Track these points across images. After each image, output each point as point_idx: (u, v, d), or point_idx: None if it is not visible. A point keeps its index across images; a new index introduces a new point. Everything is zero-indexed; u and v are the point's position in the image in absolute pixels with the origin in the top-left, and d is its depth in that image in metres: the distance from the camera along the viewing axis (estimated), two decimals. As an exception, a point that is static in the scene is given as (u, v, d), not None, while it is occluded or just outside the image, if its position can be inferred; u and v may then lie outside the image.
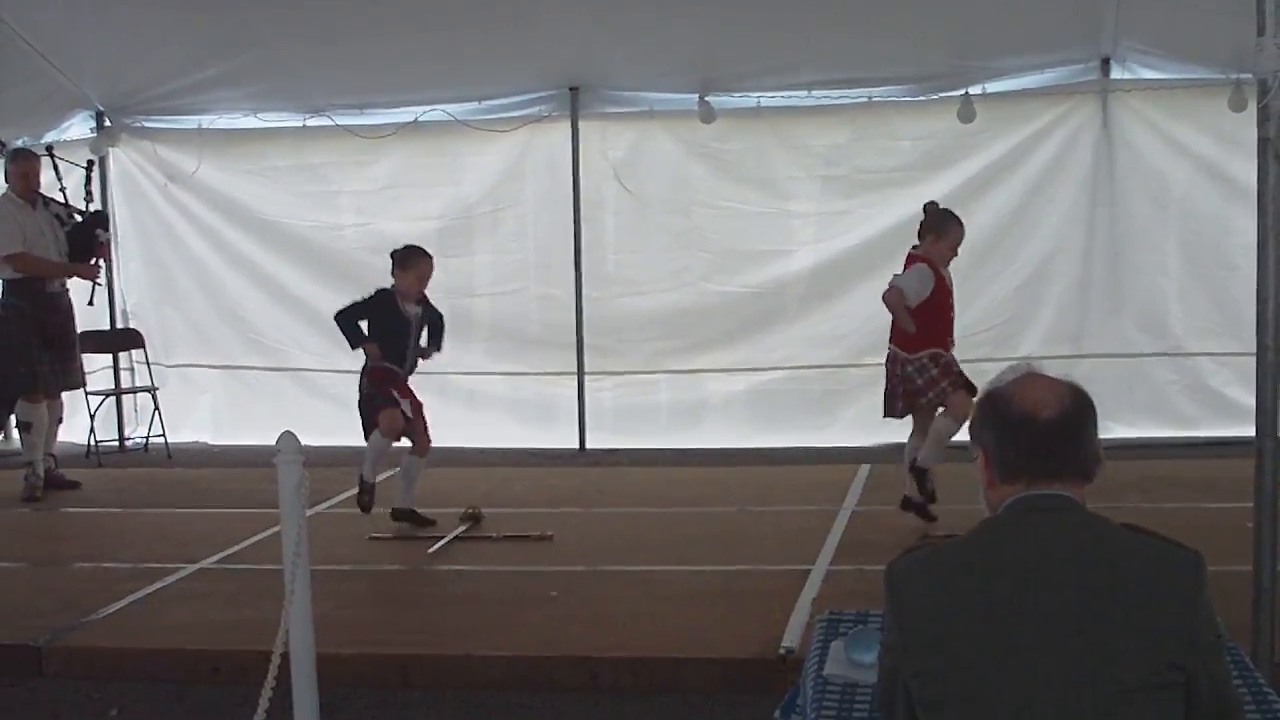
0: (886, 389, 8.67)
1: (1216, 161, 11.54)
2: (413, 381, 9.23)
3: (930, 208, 8.67)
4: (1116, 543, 2.98)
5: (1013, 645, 2.87)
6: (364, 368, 9.07)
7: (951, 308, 8.60)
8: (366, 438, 9.11)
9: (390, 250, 9.20)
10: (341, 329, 9.03)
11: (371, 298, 9.05)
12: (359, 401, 9.12)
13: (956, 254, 8.61)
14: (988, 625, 2.90)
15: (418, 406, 9.19)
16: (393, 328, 9.04)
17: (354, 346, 9.00)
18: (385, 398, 8.95)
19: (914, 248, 8.59)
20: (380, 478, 9.30)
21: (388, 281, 9.11)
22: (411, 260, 9.07)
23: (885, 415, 8.82)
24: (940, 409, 8.42)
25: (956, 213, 8.71)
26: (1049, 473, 3.02)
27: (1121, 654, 2.83)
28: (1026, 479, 3.03)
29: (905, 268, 8.50)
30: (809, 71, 11.69)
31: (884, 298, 8.40)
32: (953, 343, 8.58)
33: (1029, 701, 2.84)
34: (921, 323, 8.34)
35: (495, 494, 10.12)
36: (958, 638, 2.93)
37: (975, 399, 3.31)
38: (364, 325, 9.02)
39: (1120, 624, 2.85)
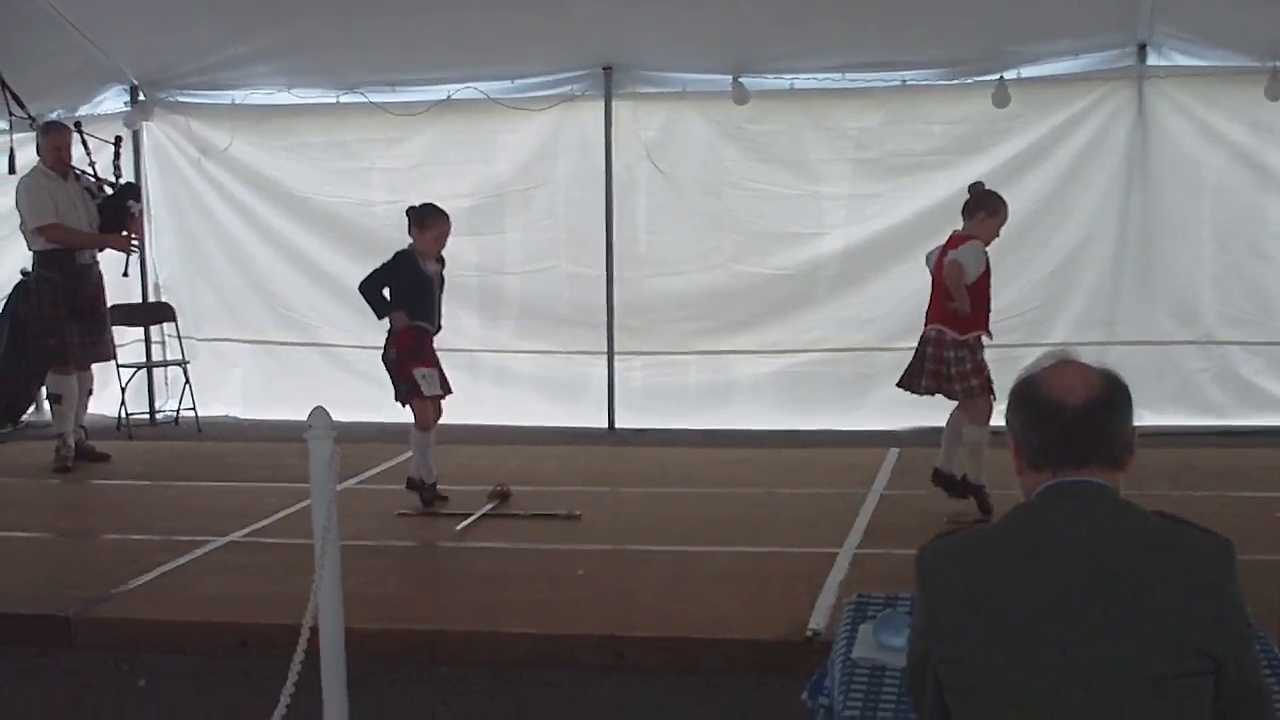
0: (915, 365, 8.52)
1: (1251, 150, 11.49)
2: (440, 359, 9.19)
3: (976, 188, 8.56)
4: (1147, 530, 2.98)
5: (1042, 631, 2.87)
6: (389, 336, 9.04)
7: (990, 291, 8.51)
8: (398, 400, 9.08)
9: (408, 208, 9.20)
10: (367, 299, 9.02)
11: (392, 261, 9.01)
12: (388, 367, 9.06)
13: (999, 235, 8.53)
14: (1018, 611, 2.91)
15: (442, 376, 9.15)
16: (417, 286, 8.98)
17: (380, 316, 9.00)
18: (408, 389, 8.95)
19: (957, 230, 8.49)
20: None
21: None
22: (430, 219, 9.05)
23: (901, 385, 8.67)
24: (963, 410, 8.39)
25: None
26: (1074, 460, 3.02)
27: (1151, 641, 2.83)
28: (1054, 466, 3.03)
29: (950, 247, 8.43)
30: (842, 54, 11.65)
31: (947, 273, 8.29)
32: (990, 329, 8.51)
33: (1058, 688, 2.85)
34: (970, 303, 8.27)
35: (523, 472, 10.12)
36: (988, 623, 2.93)
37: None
38: (386, 292, 8.98)
39: (1150, 611, 2.85)
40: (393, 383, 9.06)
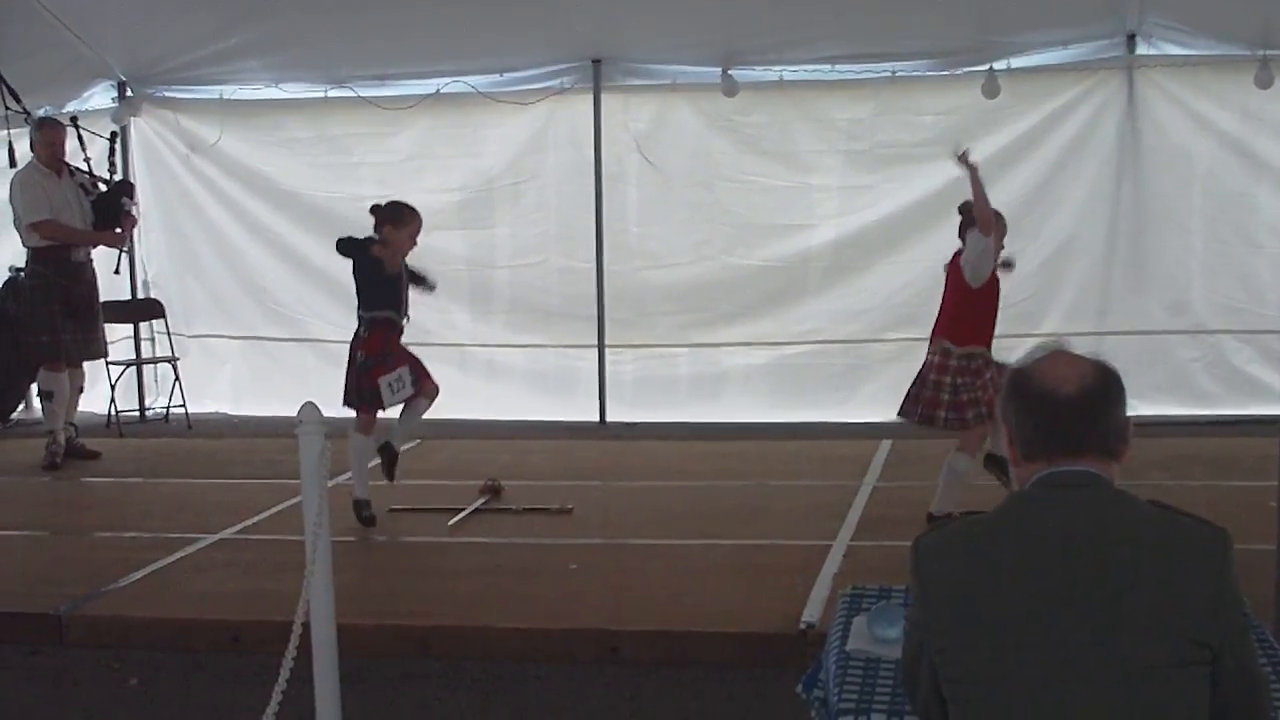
0: (915, 389, 8.22)
1: (1242, 138, 11.49)
2: (430, 354, 9.13)
3: (966, 207, 8.22)
4: (1143, 520, 2.97)
5: (1038, 622, 2.87)
6: (357, 332, 8.72)
7: (998, 306, 8.26)
8: (347, 403, 8.71)
9: (371, 205, 8.84)
10: (347, 249, 8.63)
11: (360, 261, 8.63)
12: (352, 367, 8.71)
13: (1003, 246, 8.33)
14: (1013, 602, 2.90)
15: (415, 362, 8.82)
16: (384, 280, 8.65)
17: (354, 252, 8.61)
18: (372, 397, 8.61)
19: (958, 251, 8.27)
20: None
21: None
22: (407, 216, 8.68)
23: (901, 415, 8.33)
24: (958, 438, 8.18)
25: (976, 192, 8.57)
26: (1068, 450, 3.01)
27: (1146, 631, 2.82)
28: (1046, 456, 3.03)
29: (957, 257, 8.22)
30: (832, 45, 11.64)
31: (954, 282, 8.16)
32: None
33: (1054, 678, 2.84)
34: (975, 314, 8.12)
35: (515, 466, 10.12)
36: (983, 614, 2.92)
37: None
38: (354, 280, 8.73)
39: (1146, 601, 2.84)
40: (348, 384, 8.71)
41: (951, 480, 8.09)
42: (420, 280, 9.06)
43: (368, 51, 12.15)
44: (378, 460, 8.86)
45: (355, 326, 8.73)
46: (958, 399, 8.04)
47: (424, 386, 8.87)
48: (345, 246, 8.67)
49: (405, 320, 8.86)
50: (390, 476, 8.92)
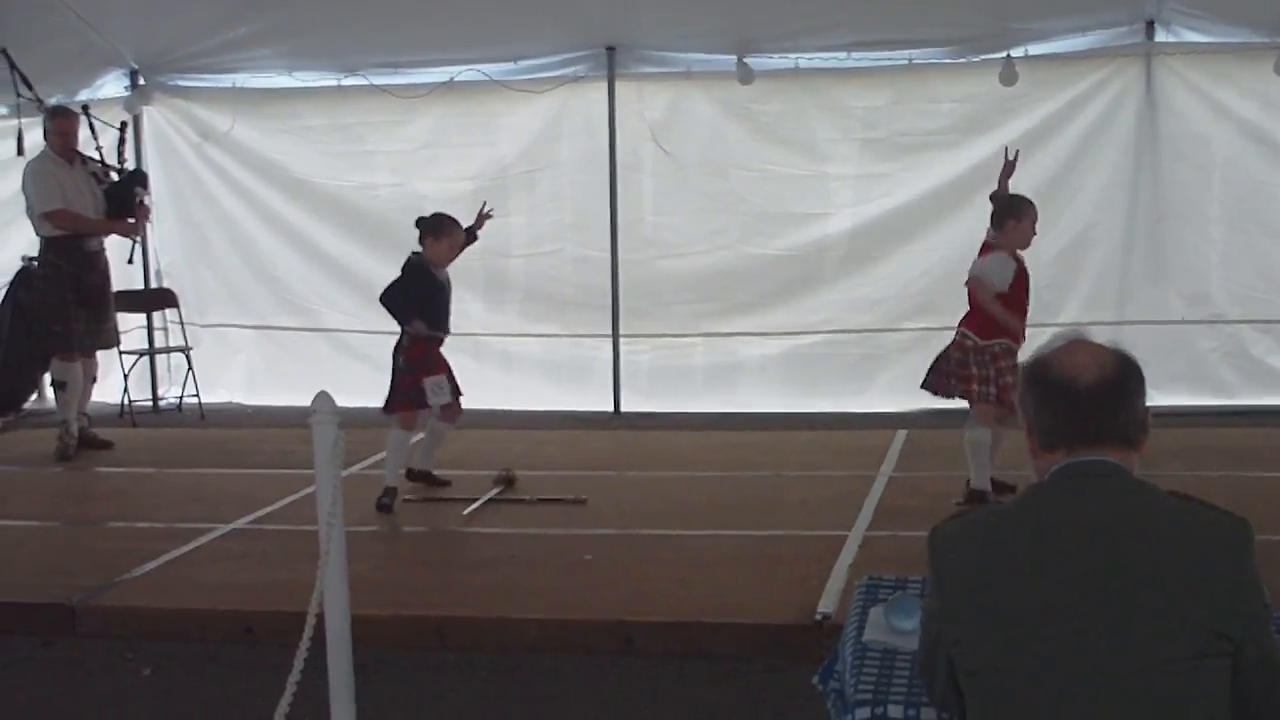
0: (939, 364, 8.45)
1: (1261, 126, 11.46)
2: (445, 343, 9.14)
3: (999, 196, 8.43)
4: (1162, 510, 2.95)
5: (1057, 613, 2.84)
6: (399, 342, 8.97)
7: (1027, 295, 8.41)
8: (387, 410, 8.98)
9: (417, 219, 9.09)
10: (390, 310, 8.93)
11: (407, 272, 8.95)
12: (395, 375, 8.97)
13: (1036, 233, 8.40)
14: (1031, 592, 2.87)
15: (452, 377, 9.06)
16: (432, 296, 8.94)
17: (404, 324, 8.90)
18: (417, 398, 8.83)
19: (989, 237, 8.37)
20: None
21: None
22: (447, 228, 8.97)
23: (924, 386, 8.58)
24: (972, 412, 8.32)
25: (996, 180, 8.62)
26: (1088, 439, 2.98)
27: (1166, 622, 2.80)
28: (1066, 446, 3.00)
29: (980, 255, 8.34)
30: (848, 32, 11.61)
31: (972, 291, 8.25)
32: (1024, 334, 8.31)
33: (1073, 670, 2.81)
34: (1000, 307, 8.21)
35: (529, 456, 10.11)
36: (1001, 605, 2.90)
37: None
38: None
39: (1166, 592, 2.81)
40: (393, 388, 8.96)
41: (975, 454, 8.27)
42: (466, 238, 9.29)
43: (381, 39, 12.14)
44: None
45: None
46: (966, 371, 8.23)
47: (452, 410, 9.11)
48: (389, 300, 8.97)
49: (447, 333, 9.14)
50: (439, 484, 9.24)
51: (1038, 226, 8.38)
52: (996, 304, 8.16)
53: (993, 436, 8.29)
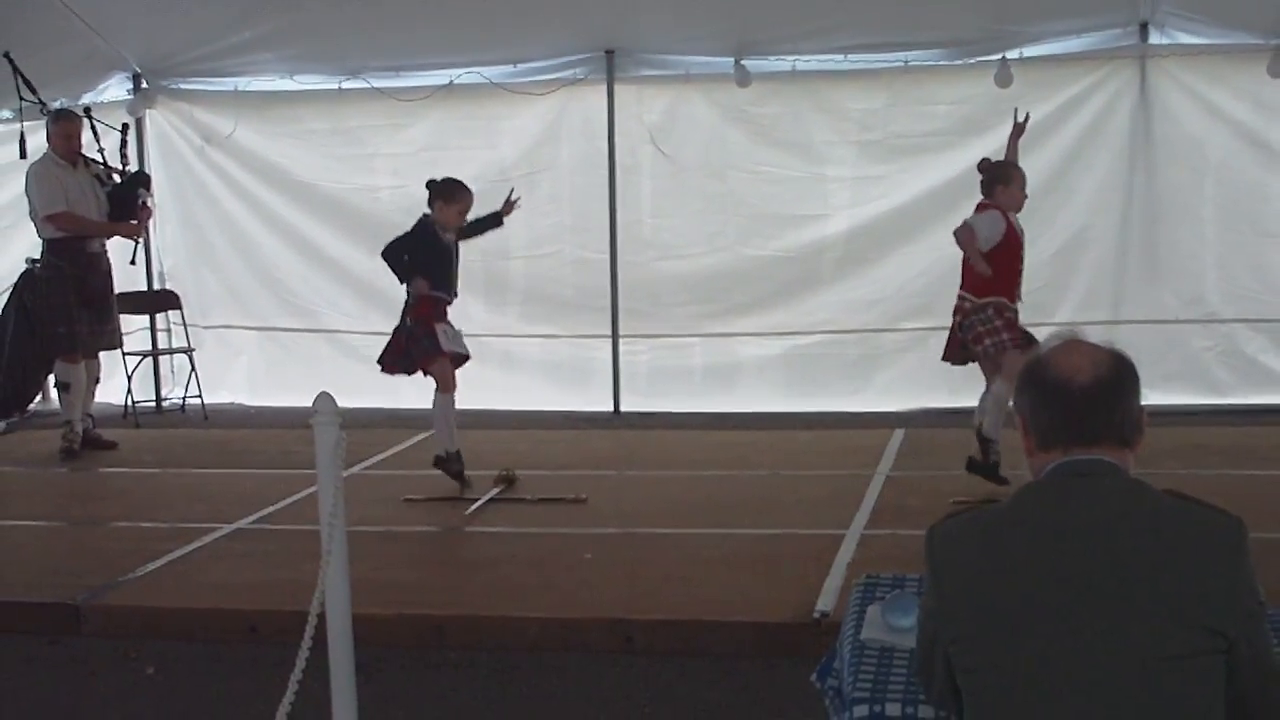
0: (950, 335, 8.65)
1: (1255, 128, 11.49)
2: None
3: (985, 164, 8.67)
4: (1157, 508, 2.96)
5: (1053, 611, 2.86)
6: (407, 302, 8.98)
7: (1021, 259, 8.54)
8: (413, 367, 9.03)
9: (428, 180, 9.11)
10: (390, 264, 8.95)
11: (414, 230, 8.98)
12: (403, 337, 8.96)
13: (1026, 195, 8.59)
14: (1028, 591, 2.89)
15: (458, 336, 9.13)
16: (437, 257, 8.96)
17: (403, 280, 8.93)
18: (431, 343, 8.86)
19: (982, 201, 8.54)
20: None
21: None
22: (458, 194, 9.04)
23: (944, 359, 8.83)
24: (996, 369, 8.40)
25: (1011, 143, 8.85)
26: (1084, 439, 3.00)
27: (1162, 621, 2.82)
28: (1062, 445, 3.02)
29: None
30: (845, 35, 11.64)
31: (955, 233, 8.37)
32: (1019, 296, 8.50)
33: (1069, 668, 2.83)
34: (990, 266, 8.30)
35: (529, 456, 10.13)
36: (998, 603, 2.92)
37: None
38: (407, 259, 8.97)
39: (1161, 590, 2.83)
40: (408, 351, 8.95)
41: (996, 407, 8.36)
42: (491, 222, 9.48)
43: (382, 43, 12.17)
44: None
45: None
46: (974, 331, 8.36)
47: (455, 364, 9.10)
48: (390, 254, 8.97)
49: (454, 296, 9.12)
50: (462, 478, 9.20)
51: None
52: (979, 254, 8.25)
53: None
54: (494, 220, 9.42)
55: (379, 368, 9.11)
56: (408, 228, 9.02)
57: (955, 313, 8.53)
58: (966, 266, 8.43)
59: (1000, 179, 8.47)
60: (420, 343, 8.90)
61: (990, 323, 8.30)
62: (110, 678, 6.58)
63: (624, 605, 6.90)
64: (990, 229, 8.31)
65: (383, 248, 9.03)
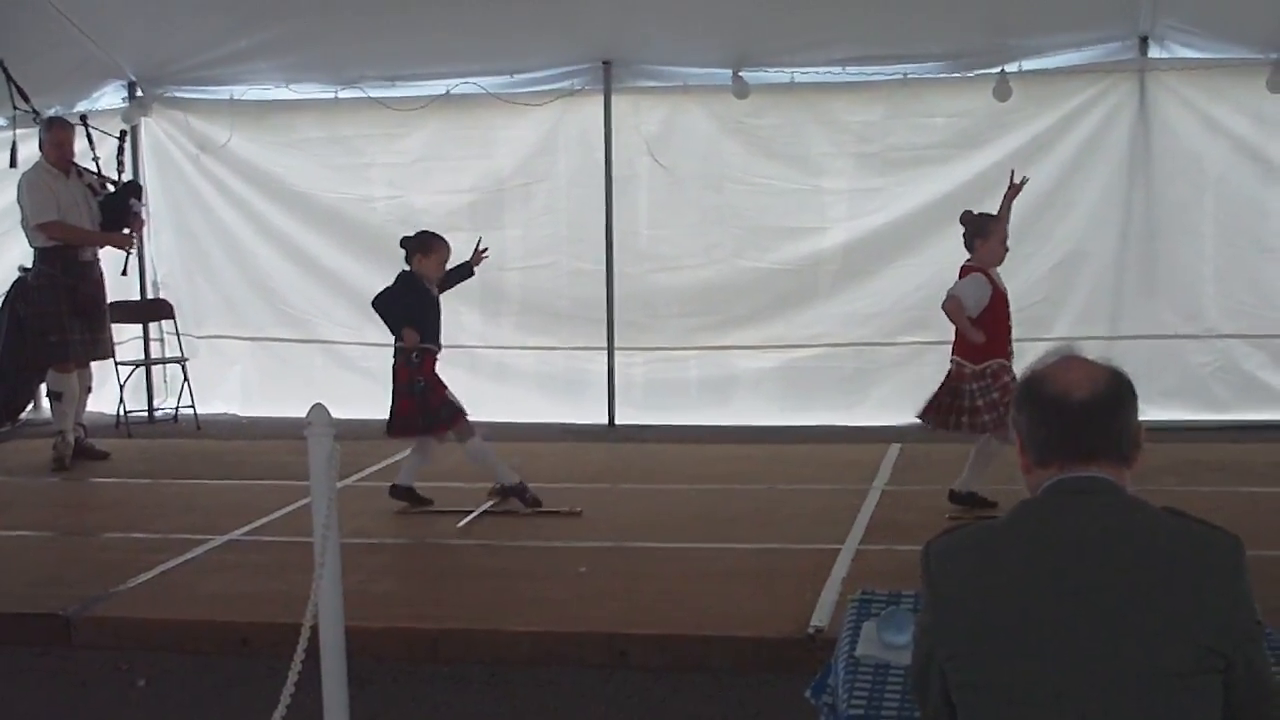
0: (936, 399, 8.45)
1: (1254, 143, 11.47)
2: (441, 355, 9.15)
3: (966, 216, 8.57)
4: (1155, 526, 2.94)
5: (1049, 628, 2.84)
6: (407, 360, 8.91)
7: (1008, 315, 8.48)
8: (436, 430, 8.99)
9: (402, 239, 9.14)
10: (383, 315, 8.97)
11: (401, 282, 8.99)
12: (414, 403, 8.91)
13: (1008, 249, 8.49)
14: (1024, 608, 2.88)
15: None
16: (424, 309, 8.98)
17: (394, 330, 8.92)
18: (448, 410, 8.89)
19: (966, 261, 8.47)
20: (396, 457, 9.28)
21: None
22: (434, 244, 9.04)
23: (921, 417, 8.59)
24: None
25: (989, 194, 8.70)
26: (1081, 455, 2.99)
27: (1159, 639, 2.80)
28: (1059, 461, 3.00)
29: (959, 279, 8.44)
30: (843, 47, 11.62)
31: (944, 308, 8.32)
32: (1012, 351, 8.42)
33: (1065, 686, 2.81)
34: (984, 332, 8.25)
35: (524, 469, 10.04)
36: (994, 620, 2.90)
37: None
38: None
39: (1158, 608, 2.82)
40: (424, 416, 8.92)
41: (984, 462, 8.32)
42: (463, 273, 9.44)
43: (378, 52, 12.15)
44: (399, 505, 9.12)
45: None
46: (974, 404, 8.25)
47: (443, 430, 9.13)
48: (382, 304, 9.01)
49: (439, 348, 9.13)
50: (422, 502, 9.15)
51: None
52: (969, 324, 8.22)
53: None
54: (465, 271, 9.40)
55: (388, 435, 9.12)
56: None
57: (949, 378, 8.44)
58: (958, 333, 8.41)
59: (978, 233, 8.40)
60: (438, 413, 8.90)
61: (989, 394, 8.21)
62: (101, 690, 6.56)
63: (618, 619, 6.88)
64: (976, 294, 8.27)
65: (373, 299, 9.06)
